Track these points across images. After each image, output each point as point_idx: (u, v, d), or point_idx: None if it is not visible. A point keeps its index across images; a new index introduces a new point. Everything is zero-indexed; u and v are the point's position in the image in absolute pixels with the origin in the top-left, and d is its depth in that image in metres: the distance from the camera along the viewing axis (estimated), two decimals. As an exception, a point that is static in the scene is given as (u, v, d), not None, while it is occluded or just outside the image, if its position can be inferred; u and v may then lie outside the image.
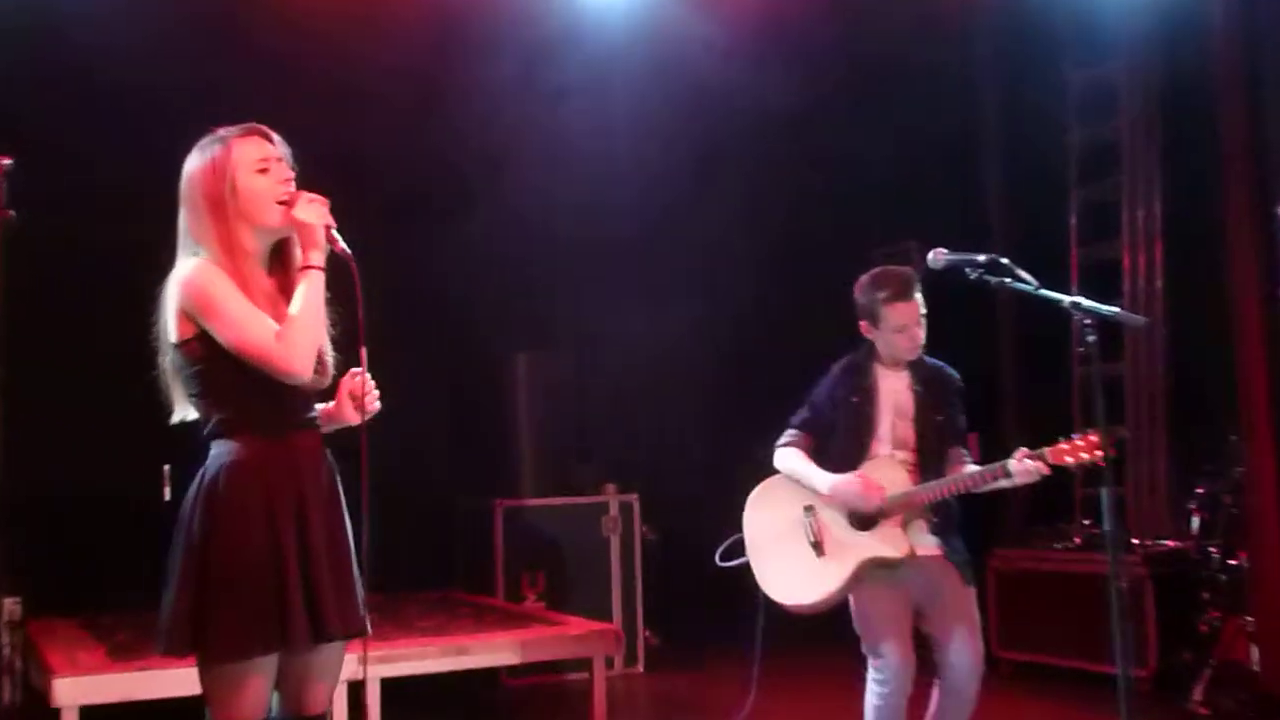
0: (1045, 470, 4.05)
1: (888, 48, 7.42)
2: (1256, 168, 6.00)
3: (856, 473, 4.28)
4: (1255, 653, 5.80)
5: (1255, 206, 5.98)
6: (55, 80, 6.41)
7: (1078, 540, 6.81)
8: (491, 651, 5.78)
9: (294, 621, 2.97)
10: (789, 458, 4.43)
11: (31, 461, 6.39)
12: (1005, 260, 4.09)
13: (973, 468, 4.29)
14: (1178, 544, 6.61)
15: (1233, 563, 6.07)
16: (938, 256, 4.15)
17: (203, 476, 3.04)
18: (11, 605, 5.91)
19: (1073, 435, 4.08)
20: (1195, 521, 6.38)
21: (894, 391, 4.39)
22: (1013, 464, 4.10)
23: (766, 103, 7.40)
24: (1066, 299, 3.74)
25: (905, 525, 4.28)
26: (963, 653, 4.23)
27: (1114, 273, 7.40)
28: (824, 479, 4.31)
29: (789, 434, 4.47)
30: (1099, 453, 3.98)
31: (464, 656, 5.69)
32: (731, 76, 7.23)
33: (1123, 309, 7.08)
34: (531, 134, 7.25)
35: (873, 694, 4.22)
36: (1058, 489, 6.29)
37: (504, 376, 7.36)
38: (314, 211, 3.08)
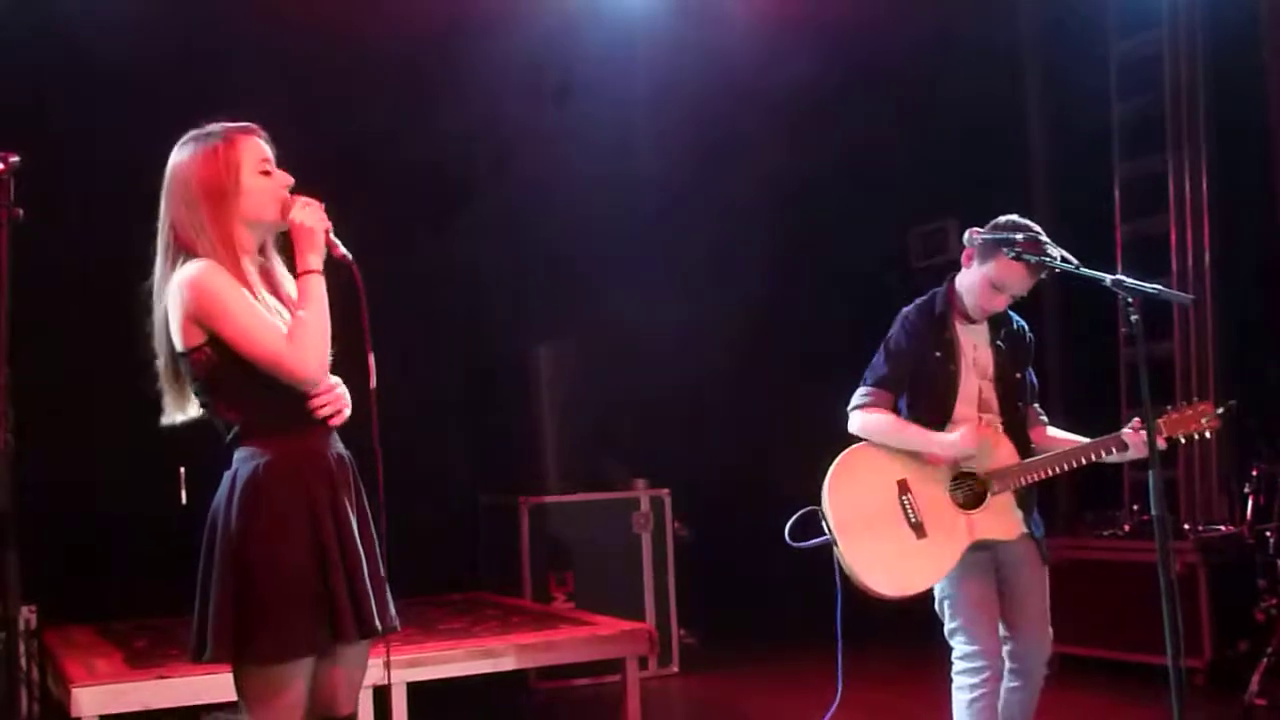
0: (1162, 443, 3.75)
1: (929, 22, 7.27)
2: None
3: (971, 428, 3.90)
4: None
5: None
6: (53, 74, 6.30)
7: (1127, 528, 6.59)
8: (519, 654, 5.59)
9: (342, 619, 2.95)
10: (876, 421, 3.98)
11: (44, 466, 6.35)
12: (1044, 238, 3.93)
13: (1068, 434, 4.03)
14: (1232, 529, 6.39)
15: (1290, 548, 5.86)
16: (973, 235, 3.96)
17: (234, 481, 2.98)
18: (27, 614, 5.81)
19: (1182, 404, 3.91)
20: (1250, 505, 6.17)
21: (974, 348, 4.03)
22: (1128, 434, 3.85)
23: (800, 80, 7.25)
24: (1108, 277, 3.54)
25: (1009, 501, 3.94)
26: (1036, 638, 4.03)
27: (1161, 249, 7.18)
28: (939, 438, 3.90)
29: (866, 393, 4.02)
30: (1214, 422, 3.83)
31: (491, 659, 5.50)
32: (764, 53, 7.13)
33: (1170, 286, 6.99)
34: (550, 122, 7.15)
35: (965, 686, 3.92)
36: (1107, 473, 6.09)
37: (526, 370, 7.19)
38: (311, 215, 3.05)
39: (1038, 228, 3.97)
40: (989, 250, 3.94)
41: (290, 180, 3.09)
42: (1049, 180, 7.88)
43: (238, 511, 2.94)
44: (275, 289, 3.11)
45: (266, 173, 3.06)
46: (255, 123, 3.12)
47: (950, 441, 3.93)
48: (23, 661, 5.74)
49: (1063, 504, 7.38)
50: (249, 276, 3.02)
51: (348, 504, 3.02)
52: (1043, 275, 3.97)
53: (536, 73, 6.96)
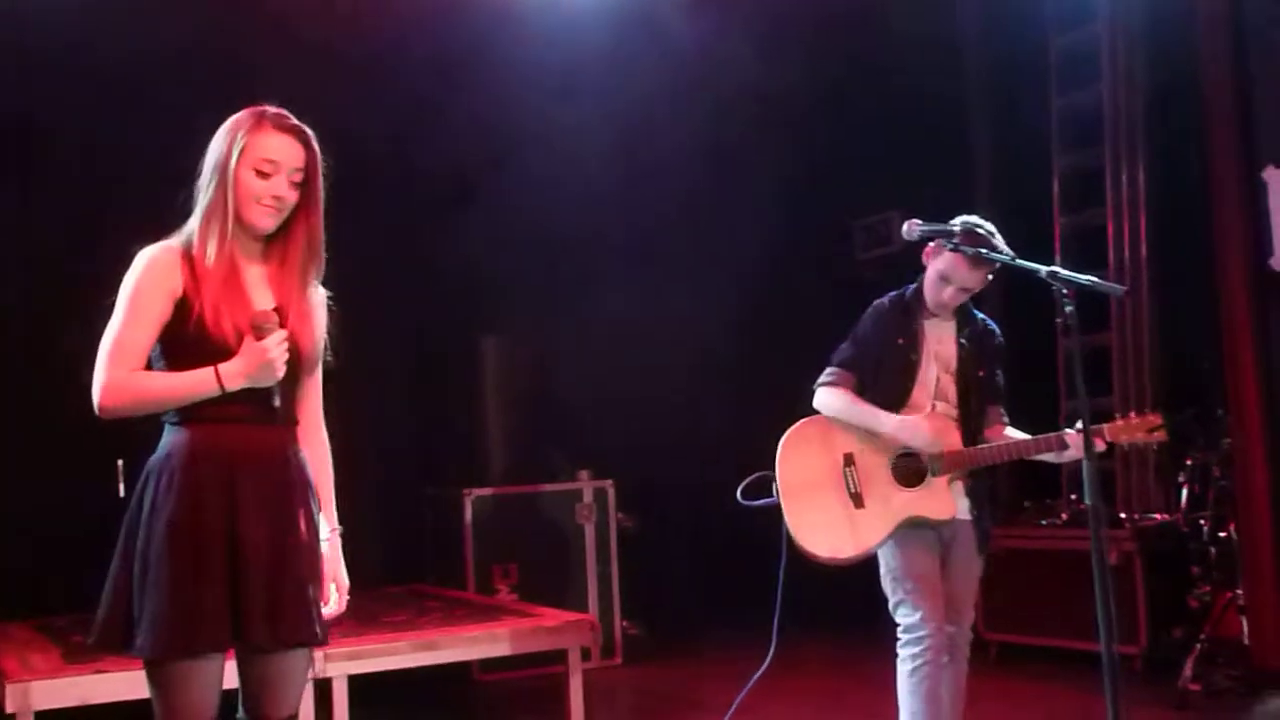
0: (1101, 446, 3.89)
1: (872, 18, 7.30)
2: (1241, 133, 5.84)
3: (923, 415, 4.10)
4: (1246, 627, 5.67)
5: (1241, 174, 5.83)
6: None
7: (1064, 516, 6.65)
8: (462, 646, 5.56)
9: (209, 622, 2.83)
10: (836, 397, 4.20)
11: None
12: (984, 232, 4.04)
13: (1022, 434, 4.17)
14: (1167, 518, 6.47)
15: (1223, 535, 5.95)
16: (912, 228, 4.02)
17: (143, 470, 2.94)
18: (-36, 611, 5.75)
19: (1131, 413, 4.01)
20: (1185, 494, 6.25)
21: (939, 340, 4.21)
22: (1069, 435, 3.97)
23: (743, 77, 7.27)
24: (1044, 269, 3.59)
25: (950, 485, 4.11)
26: (962, 622, 4.18)
27: (1099, 241, 7.25)
28: (887, 418, 4.11)
29: (831, 372, 4.24)
30: (1158, 435, 3.93)
31: (433, 652, 5.47)
32: (709, 51, 7.09)
33: (1107, 278, 7.07)
34: (507, 118, 7.10)
35: (906, 658, 4.06)
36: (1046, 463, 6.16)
37: (471, 361, 7.18)
38: (280, 355, 2.90)
39: (986, 224, 4.10)
40: (937, 242, 4.08)
41: (284, 192, 2.97)
42: (991, 172, 7.93)
43: (133, 502, 2.91)
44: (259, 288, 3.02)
45: (263, 174, 2.96)
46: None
47: (897, 423, 4.11)
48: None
49: (1003, 493, 7.44)
50: (228, 259, 2.94)
51: (256, 503, 2.91)
52: (988, 269, 4.07)
53: (515, 69, 6.94)
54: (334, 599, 3.09)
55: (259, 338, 2.88)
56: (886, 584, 4.17)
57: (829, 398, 4.22)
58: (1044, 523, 6.67)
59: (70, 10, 6.02)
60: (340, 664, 5.15)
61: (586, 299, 7.41)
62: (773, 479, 4.19)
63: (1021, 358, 7.49)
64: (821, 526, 4.13)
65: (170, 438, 2.94)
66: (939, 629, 4.05)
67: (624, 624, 7.20)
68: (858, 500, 4.14)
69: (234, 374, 2.87)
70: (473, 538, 6.95)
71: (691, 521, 7.66)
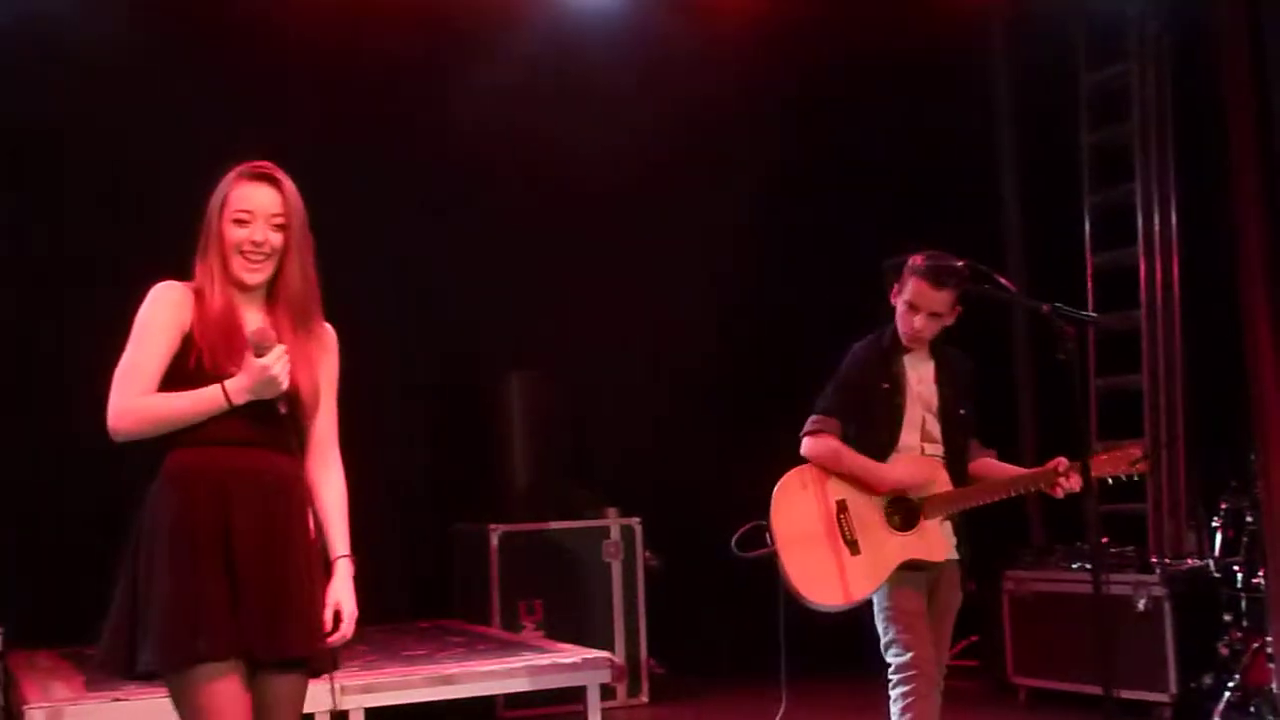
0: (1079, 484, 4.02)
1: (899, 55, 7.29)
2: (1266, 175, 5.80)
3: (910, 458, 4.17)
4: (1277, 675, 5.55)
5: (1266, 217, 5.79)
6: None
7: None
8: (479, 680, 5.58)
9: (210, 630, 2.90)
10: (824, 447, 4.22)
11: (13, 490, 6.41)
12: (984, 267, 4.15)
13: (1011, 468, 4.27)
14: (1199, 563, 6.37)
15: (1256, 581, 5.83)
16: (916, 263, 4.14)
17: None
18: (-9, 636, 5.82)
19: (1112, 445, 4.22)
20: (1218, 539, 6.15)
21: (919, 380, 4.25)
22: (1050, 473, 4.08)
23: (774, 107, 7.31)
24: (1045, 305, 3.61)
25: (940, 525, 4.18)
26: (941, 658, 4.22)
27: (1131, 280, 7.19)
28: (877, 468, 4.15)
29: (815, 420, 4.27)
30: (1140, 466, 4.03)
31: (450, 686, 5.50)
32: (735, 80, 7.18)
33: (1140, 318, 7.01)
34: (523, 141, 7.16)
35: (897, 696, 4.12)
36: (1075, 506, 6.10)
37: (497, 398, 7.19)
38: (283, 371, 2.99)
39: (950, 257, 4.17)
40: (903, 274, 4.19)
41: (266, 237, 3.05)
42: (1021, 210, 7.93)
43: (134, 526, 3.00)
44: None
45: (240, 222, 3.06)
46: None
47: (887, 473, 4.17)
48: (-14, 684, 5.75)
49: (1033, 537, 7.37)
50: (227, 305, 3.04)
51: (249, 526, 2.97)
52: (954, 291, 4.12)
53: (514, 94, 7.00)
54: (343, 625, 3.10)
55: (259, 355, 2.96)
56: (879, 623, 4.21)
57: (816, 447, 4.25)
58: (1074, 566, 6.58)
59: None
60: (356, 697, 5.19)
61: (615, 333, 7.44)
62: (767, 529, 4.21)
63: (1051, 399, 7.57)
64: (820, 575, 4.17)
65: (167, 462, 3.02)
66: (928, 668, 4.09)
67: (650, 662, 7.16)
68: (854, 547, 4.17)
69: (239, 389, 2.96)
70: (499, 574, 6.93)
71: (719, 560, 7.61)
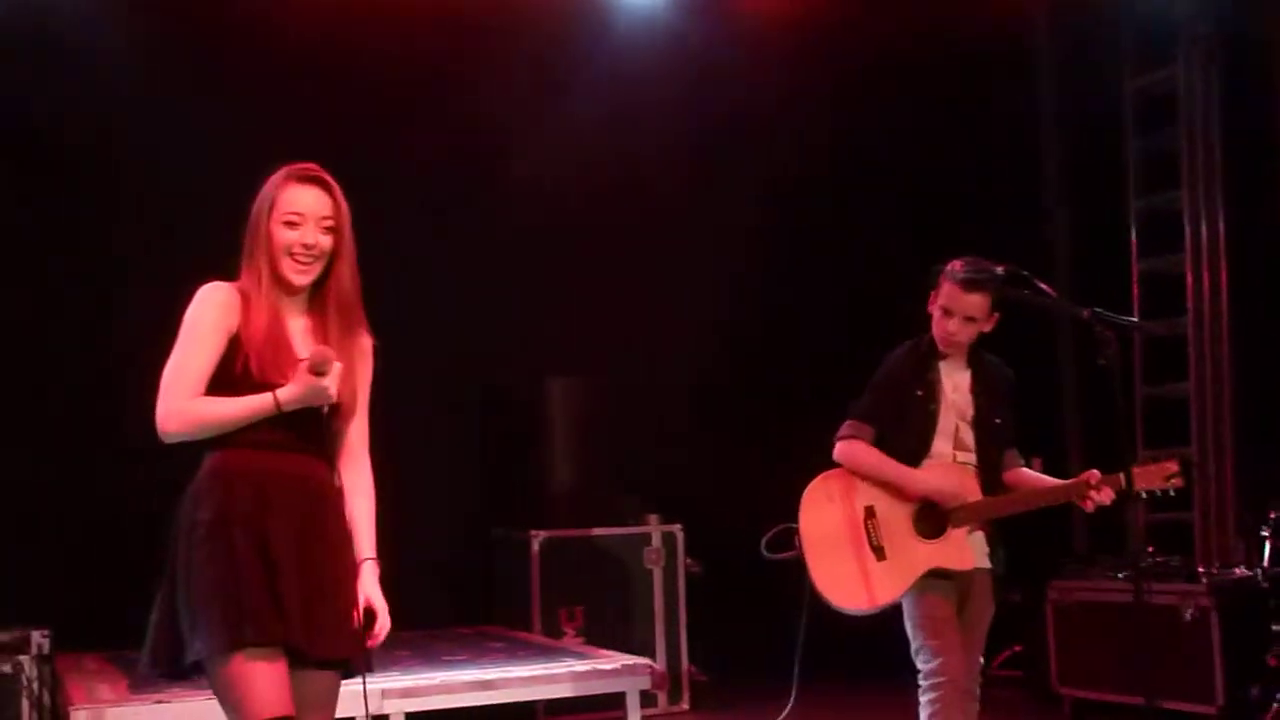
0: (1109, 497, 4.00)
1: (945, 60, 7.33)
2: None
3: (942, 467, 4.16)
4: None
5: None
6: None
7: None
8: (518, 686, 5.59)
9: (254, 615, 2.93)
10: (856, 451, 4.23)
11: (62, 493, 6.48)
12: (1024, 272, 4.14)
13: (1044, 479, 4.25)
14: (1246, 573, 6.28)
15: (1304, 591, 5.77)
16: (955, 268, 4.15)
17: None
18: (39, 638, 5.87)
19: (1148, 460, 4.06)
20: (1267, 549, 6.07)
21: (954, 388, 4.24)
22: (1082, 484, 4.05)
23: (814, 112, 7.31)
24: (1085, 310, 3.58)
25: (969, 535, 4.16)
26: (973, 667, 4.20)
27: (1178, 288, 7.13)
28: (909, 474, 4.15)
29: (851, 425, 4.27)
30: (1175, 482, 3.99)
31: (490, 691, 5.52)
32: (772, 84, 7.22)
33: (1187, 325, 6.95)
34: (558, 146, 7.16)
35: (925, 702, 4.11)
36: (1120, 515, 6.06)
37: (538, 403, 7.20)
38: (335, 381, 3.01)
39: (987, 262, 4.17)
40: (939, 280, 4.20)
41: (316, 240, 3.08)
42: (1067, 220, 7.88)
43: (176, 525, 3.04)
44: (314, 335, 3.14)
45: (290, 224, 3.08)
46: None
47: (917, 480, 4.17)
48: (34, 685, 5.81)
49: (1077, 546, 7.30)
50: (271, 311, 3.07)
51: (286, 527, 3.01)
52: (987, 294, 4.10)
53: (547, 98, 7.02)
54: (378, 618, 3.14)
55: (319, 374, 2.98)
56: (909, 630, 4.21)
57: (849, 452, 4.26)
58: (1119, 575, 6.52)
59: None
60: (396, 701, 5.22)
61: (656, 340, 7.43)
62: (795, 532, 4.25)
63: (1097, 409, 7.51)
64: (844, 580, 4.19)
65: (208, 462, 3.06)
66: (957, 674, 4.08)
67: (691, 669, 7.15)
68: (880, 553, 4.18)
69: (290, 399, 2.99)
70: (540, 580, 6.94)
71: (761, 567, 7.59)
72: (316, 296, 3.16)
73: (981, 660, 4.28)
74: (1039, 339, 7.48)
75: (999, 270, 4.08)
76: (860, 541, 4.19)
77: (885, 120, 7.58)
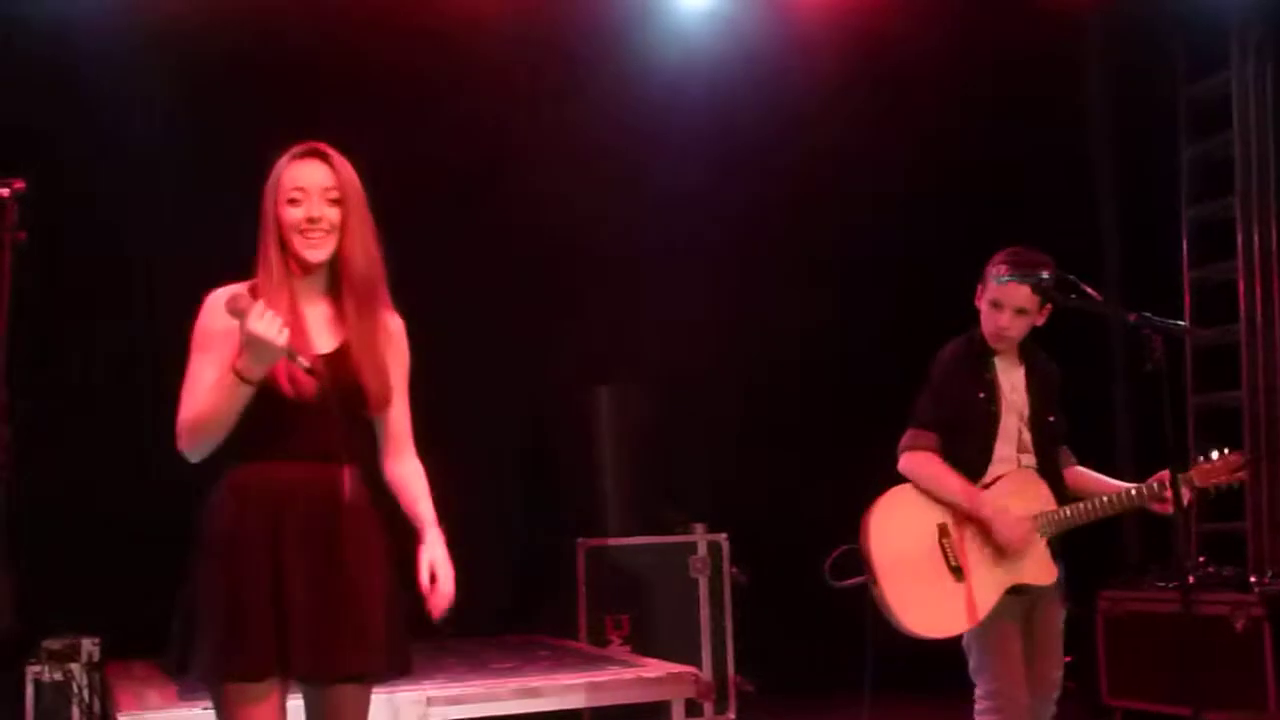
0: (1187, 498, 3.88)
1: (995, 68, 7.29)
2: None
3: (1002, 505, 3.98)
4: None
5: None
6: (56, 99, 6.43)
7: (1191, 580, 6.41)
8: (563, 694, 5.57)
9: (250, 650, 2.86)
10: (924, 464, 4.05)
11: (112, 500, 6.54)
12: (1071, 276, 3.98)
13: (1105, 480, 4.13)
14: (1300, 583, 6.21)
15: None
16: (1000, 271, 4.00)
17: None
18: (90, 646, 5.93)
19: (1212, 455, 3.96)
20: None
21: (1012, 388, 4.09)
22: (1156, 487, 3.94)
23: (864, 121, 7.30)
24: (1131, 314, 3.52)
25: (1047, 547, 4.03)
26: (1048, 674, 4.06)
27: (1230, 296, 7.06)
28: (976, 497, 3.98)
29: (916, 435, 4.09)
30: (1242, 474, 3.91)
31: (535, 699, 5.51)
32: (822, 89, 7.23)
33: (1239, 333, 6.87)
34: (613, 154, 7.18)
35: None
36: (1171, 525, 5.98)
37: (585, 411, 7.20)
38: (270, 326, 2.84)
39: (1034, 252, 4.04)
40: (986, 274, 4.07)
41: (321, 213, 2.98)
42: (1119, 225, 7.82)
43: (196, 534, 3.00)
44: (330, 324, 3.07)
45: (294, 201, 2.99)
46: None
47: (987, 501, 3.99)
48: (84, 693, 5.86)
49: (1128, 556, 7.23)
50: (290, 302, 2.98)
51: (303, 538, 2.93)
52: (1033, 285, 3.96)
53: (594, 109, 7.02)
54: (440, 581, 3.03)
55: (236, 316, 2.86)
56: (969, 648, 4.07)
57: (916, 465, 4.08)
58: (1170, 585, 6.44)
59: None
60: (442, 709, 5.21)
61: (705, 349, 7.42)
62: (860, 553, 4.05)
63: (1148, 415, 7.43)
64: (925, 605, 3.99)
65: (224, 476, 3.00)
66: (1016, 693, 3.95)
67: (737, 679, 7.12)
68: (958, 574, 3.99)
69: (244, 365, 2.85)
70: (586, 588, 6.94)
71: (807, 577, 7.56)
72: (334, 279, 3.06)
73: (1061, 670, 4.12)
74: (1090, 347, 7.41)
75: (1043, 272, 3.92)
76: (936, 563, 4.00)
77: (935, 125, 7.53)
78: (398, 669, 3.07)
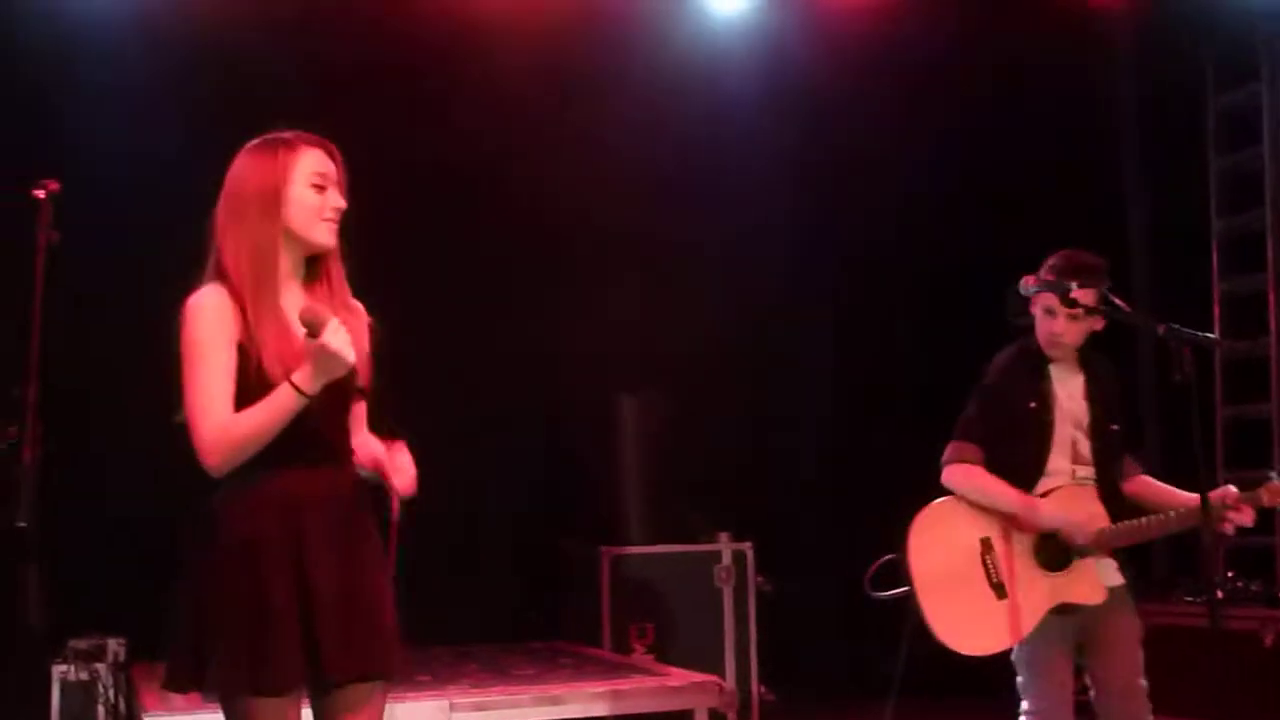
0: (1251, 518, 3.81)
1: (1025, 78, 7.31)
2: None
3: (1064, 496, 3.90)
4: None
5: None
6: (83, 96, 6.47)
7: (1221, 595, 6.36)
8: (585, 702, 5.56)
9: (278, 663, 2.80)
10: (971, 477, 3.96)
11: (138, 502, 6.56)
12: (1077, 263, 3.96)
13: (1170, 490, 4.01)
14: (1333, 600, 6.16)
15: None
16: (1028, 283, 3.94)
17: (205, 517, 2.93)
18: (116, 646, 5.95)
19: (1233, 480, 3.91)
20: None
21: (1069, 397, 3.99)
22: (1229, 494, 3.87)
23: (896, 131, 7.32)
24: (1160, 325, 3.49)
25: (1098, 563, 3.93)
26: (1121, 689, 4.01)
27: (1259, 308, 7.03)
28: (1033, 504, 3.89)
29: (959, 448, 4.00)
30: None
31: (557, 706, 5.51)
32: (854, 102, 7.25)
33: (1269, 346, 6.82)
34: (639, 160, 7.20)
35: None
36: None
37: (609, 419, 7.20)
38: (345, 342, 2.77)
39: (1087, 254, 3.98)
40: (1040, 279, 3.97)
41: (342, 205, 2.96)
42: (1148, 237, 7.81)
43: (196, 550, 2.91)
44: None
45: (319, 187, 2.93)
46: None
47: (1038, 514, 3.91)
48: (110, 693, 5.88)
49: (1156, 570, 7.19)
50: (276, 297, 2.89)
51: (325, 545, 2.87)
52: (1091, 286, 3.88)
53: (612, 118, 7.03)
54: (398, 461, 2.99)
55: (314, 335, 2.74)
56: (1018, 664, 4.00)
57: (960, 478, 3.99)
58: (1197, 600, 6.40)
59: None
60: (464, 715, 5.23)
61: (729, 357, 7.41)
62: (901, 564, 3.98)
63: (1178, 427, 7.38)
64: (965, 621, 3.93)
65: (235, 480, 2.86)
66: (1059, 716, 3.91)
67: (760, 689, 7.10)
68: (1000, 591, 3.92)
69: (307, 378, 2.76)
70: (610, 597, 6.93)
71: (832, 586, 7.55)
72: (310, 270, 2.99)
73: (1142, 682, 4.07)
74: (1119, 360, 7.36)
75: (1072, 284, 3.84)
76: (978, 579, 3.93)
77: (965, 133, 7.53)
78: (407, 671, 3.08)
